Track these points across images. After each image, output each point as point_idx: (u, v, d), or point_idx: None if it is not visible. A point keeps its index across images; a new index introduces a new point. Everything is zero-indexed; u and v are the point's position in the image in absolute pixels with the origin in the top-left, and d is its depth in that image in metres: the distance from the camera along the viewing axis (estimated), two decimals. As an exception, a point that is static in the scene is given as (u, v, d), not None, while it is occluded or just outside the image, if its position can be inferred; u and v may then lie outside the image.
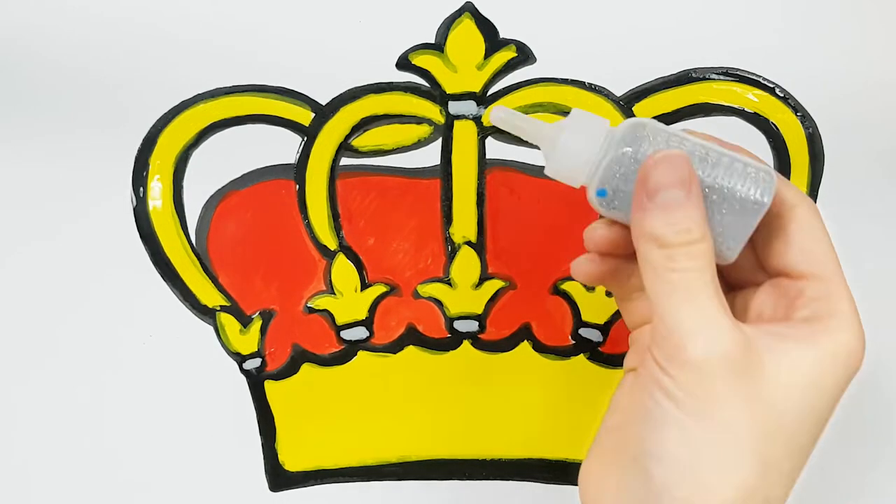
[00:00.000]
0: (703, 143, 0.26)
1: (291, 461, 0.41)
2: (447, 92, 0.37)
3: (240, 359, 0.40)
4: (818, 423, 0.25)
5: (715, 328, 0.24)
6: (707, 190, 0.25)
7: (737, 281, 0.29)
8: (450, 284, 0.39)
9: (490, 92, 0.37)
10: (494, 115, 0.29)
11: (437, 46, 0.37)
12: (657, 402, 0.24)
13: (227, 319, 0.39)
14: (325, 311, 0.39)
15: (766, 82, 0.37)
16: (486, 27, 0.37)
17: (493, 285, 0.39)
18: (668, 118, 0.37)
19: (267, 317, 0.39)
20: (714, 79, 0.37)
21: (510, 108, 0.29)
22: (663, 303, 0.24)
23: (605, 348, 0.40)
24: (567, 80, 0.37)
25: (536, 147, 0.27)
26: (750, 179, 0.25)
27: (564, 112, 0.38)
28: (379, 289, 0.39)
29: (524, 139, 0.28)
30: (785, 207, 0.26)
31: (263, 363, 0.40)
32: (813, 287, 0.26)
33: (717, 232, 0.25)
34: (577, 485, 0.41)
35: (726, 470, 0.24)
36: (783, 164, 0.38)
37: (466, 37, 0.37)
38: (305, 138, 0.38)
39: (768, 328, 0.25)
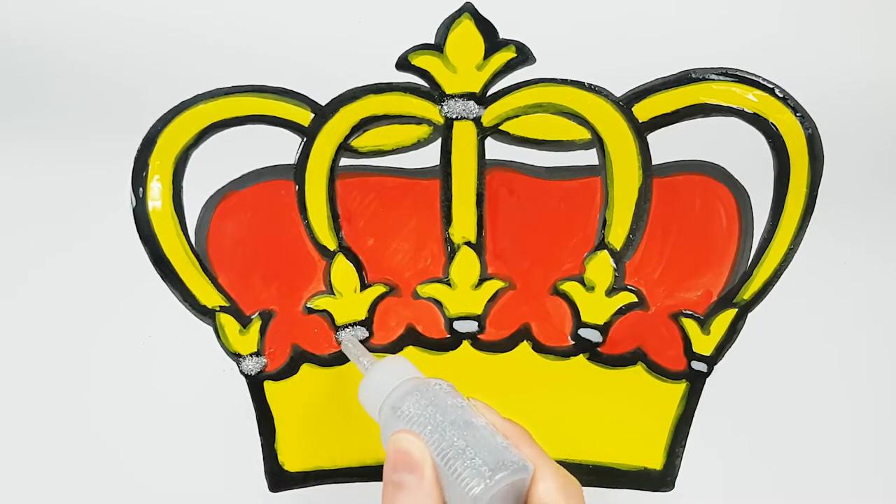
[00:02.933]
0: (456, 420, 0.29)
1: (291, 461, 0.41)
2: (447, 92, 0.37)
3: (239, 359, 0.40)
4: None
5: None
6: (441, 471, 0.28)
7: None
8: (449, 285, 0.39)
9: (490, 92, 0.37)
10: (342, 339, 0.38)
11: (437, 47, 0.37)
12: None
13: (226, 320, 0.39)
14: (325, 311, 0.39)
15: (765, 83, 0.37)
16: (486, 27, 0.37)
17: (492, 286, 0.39)
18: (668, 118, 0.37)
19: (266, 317, 0.39)
20: (713, 79, 0.37)
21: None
22: None
23: (604, 349, 0.40)
24: (566, 80, 0.37)
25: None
26: (474, 473, 0.28)
27: (564, 112, 0.38)
28: (378, 289, 0.39)
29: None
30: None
31: (263, 363, 0.40)
32: None
33: None
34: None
35: None
36: (783, 165, 0.38)
37: (466, 37, 0.37)
38: (305, 139, 0.38)
39: None
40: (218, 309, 0.39)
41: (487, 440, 0.29)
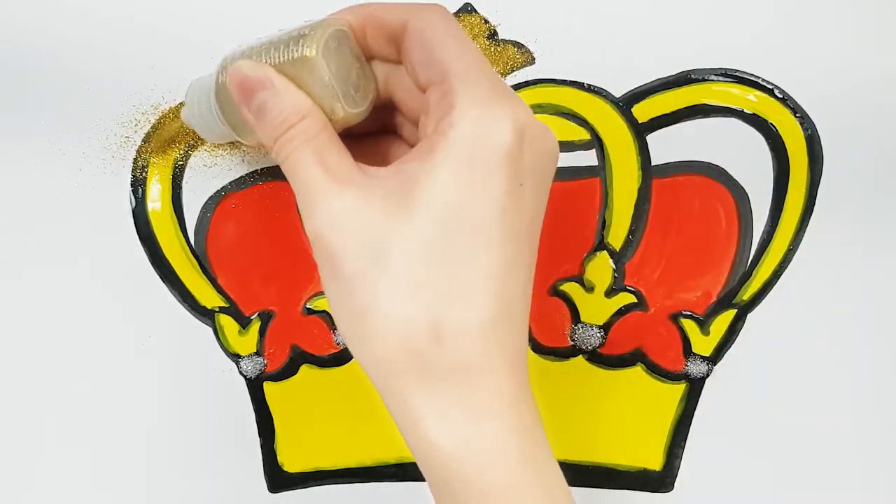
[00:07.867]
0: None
1: (290, 462, 0.41)
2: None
3: (238, 360, 0.40)
4: (478, 221, 0.24)
5: (317, 198, 0.25)
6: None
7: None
8: (449, 285, 0.39)
9: (489, 93, 0.37)
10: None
11: (436, 47, 0.37)
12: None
13: (225, 321, 0.39)
14: (324, 312, 0.39)
15: (764, 83, 0.37)
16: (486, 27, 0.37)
17: (492, 286, 0.39)
18: (667, 119, 0.37)
19: (266, 318, 0.39)
20: (713, 80, 0.37)
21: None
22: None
23: (604, 349, 0.40)
24: (566, 81, 0.37)
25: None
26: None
27: (563, 113, 0.38)
28: (378, 290, 0.39)
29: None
30: (388, 39, 0.27)
31: (262, 364, 0.40)
32: (433, 95, 0.25)
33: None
34: (574, 485, 0.41)
35: (369, 313, 0.24)
36: (782, 166, 0.38)
37: (465, 38, 0.37)
38: (304, 139, 0.38)
39: (403, 160, 0.25)
40: (217, 310, 0.39)
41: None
